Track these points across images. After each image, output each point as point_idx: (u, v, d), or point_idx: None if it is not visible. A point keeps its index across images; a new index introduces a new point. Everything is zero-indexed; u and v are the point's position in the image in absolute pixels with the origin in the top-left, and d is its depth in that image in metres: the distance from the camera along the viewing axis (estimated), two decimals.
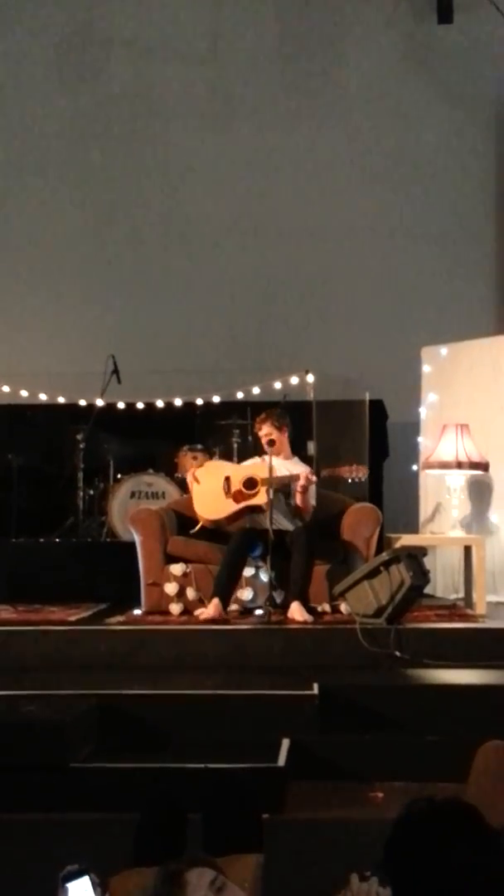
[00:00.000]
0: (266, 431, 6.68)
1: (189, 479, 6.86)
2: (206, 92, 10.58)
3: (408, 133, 10.43)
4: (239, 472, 6.73)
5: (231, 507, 6.60)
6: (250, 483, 6.59)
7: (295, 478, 6.44)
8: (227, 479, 6.63)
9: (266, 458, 6.50)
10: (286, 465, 6.66)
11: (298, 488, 6.43)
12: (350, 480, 6.60)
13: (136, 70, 10.63)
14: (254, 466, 6.72)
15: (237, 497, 6.59)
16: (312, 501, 6.60)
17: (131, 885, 2.61)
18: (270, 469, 6.36)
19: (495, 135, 10.51)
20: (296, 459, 6.84)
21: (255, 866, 2.79)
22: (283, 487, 6.57)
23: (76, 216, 10.48)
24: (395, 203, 10.31)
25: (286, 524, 6.53)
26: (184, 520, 6.94)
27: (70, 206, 10.49)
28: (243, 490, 6.57)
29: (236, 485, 6.60)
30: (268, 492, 6.35)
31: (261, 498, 6.48)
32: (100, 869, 2.50)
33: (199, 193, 10.42)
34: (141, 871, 2.65)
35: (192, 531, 6.73)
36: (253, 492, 6.54)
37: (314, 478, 6.52)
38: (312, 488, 6.57)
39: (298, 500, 6.48)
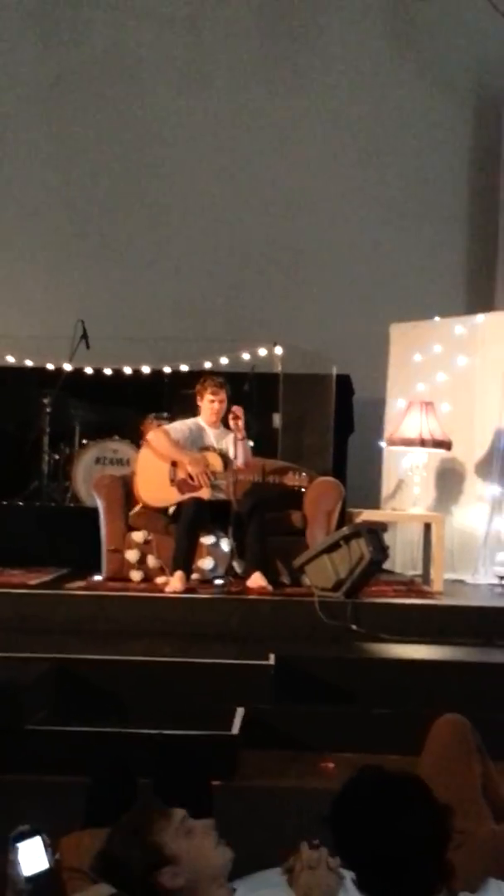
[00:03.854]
0: (222, 398, 6.69)
1: (150, 438, 6.76)
2: (185, 55, 10.51)
3: (385, 107, 10.43)
4: (186, 459, 6.60)
5: (173, 496, 6.55)
6: None
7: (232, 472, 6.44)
8: (174, 464, 6.61)
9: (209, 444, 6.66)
10: (224, 438, 6.69)
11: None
12: (294, 488, 6.58)
13: (115, 31, 10.53)
14: (201, 456, 6.62)
15: (181, 486, 6.55)
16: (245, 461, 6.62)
17: (82, 846, 2.64)
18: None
19: (472, 112, 10.53)
20: (222, 428, 6.81)
21: None
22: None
23: (49, 178, 10.39)
24: (369, 177, 10.32)
25: (221, 496, 6.54)
26: None
27: (43, 169, 10.40)
28: (188, 481, 6.55)
29: (182, 473, 6.56)
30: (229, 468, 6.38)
31: (204, 493, 6.48)
32: (51, 830, 2.54)
33: (171, 158, 10.37)
34: (91, 832, 2.68)
35: (132, 512, 6.67)
36: (197, 484, 6.53)
37: (249, 460, 6.61)
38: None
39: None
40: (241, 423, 6.43)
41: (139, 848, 2.33)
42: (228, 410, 6.61)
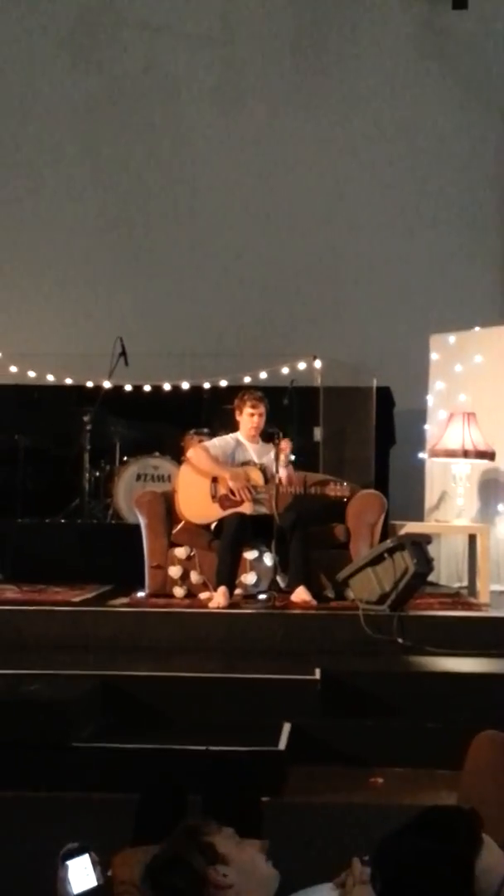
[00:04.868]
0: (262, 411, 6.68)
1: (190, 455, 6.78)
2: (218, 73, 10.57)
3: (420, 119, 10.41)
4: (227, 474, 6.58)
5: (216, 512, 6.54)
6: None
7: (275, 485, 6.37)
8: (215, 480, 6.60)
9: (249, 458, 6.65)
10: (265, 453, 6.67)
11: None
12: (336, 497, 6.57)
13: (148, 50, 10.61)
14: (242, 471, 6.62)
15: (223, 502, 6.54)
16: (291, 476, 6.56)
17: (133, 862, 2.62)
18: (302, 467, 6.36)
19: None
20: (262, 443, 6.80)
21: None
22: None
23: (86, 197, 10.47)
24: (405, 189, 10.30)
25: (263, 510, 6.51)
26: None
27: (80, 187, 10.48)
28: (230, 496, 6.54)
29: (223, 489, 6.56)
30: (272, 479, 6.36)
31: (246, 508, 6.46)
32: (100, 848, 2.52)
33: (209, 176, 10.41)
34: (143, 849, 2.67)
35: (175, 530, 6.66)
36: (239, 499, 6.53)
37: (294, 481, 6.54)
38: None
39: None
40: (287, 451, 6.42)
41: (196, 847, 2.38)
42: (268, 425, 6.60)
